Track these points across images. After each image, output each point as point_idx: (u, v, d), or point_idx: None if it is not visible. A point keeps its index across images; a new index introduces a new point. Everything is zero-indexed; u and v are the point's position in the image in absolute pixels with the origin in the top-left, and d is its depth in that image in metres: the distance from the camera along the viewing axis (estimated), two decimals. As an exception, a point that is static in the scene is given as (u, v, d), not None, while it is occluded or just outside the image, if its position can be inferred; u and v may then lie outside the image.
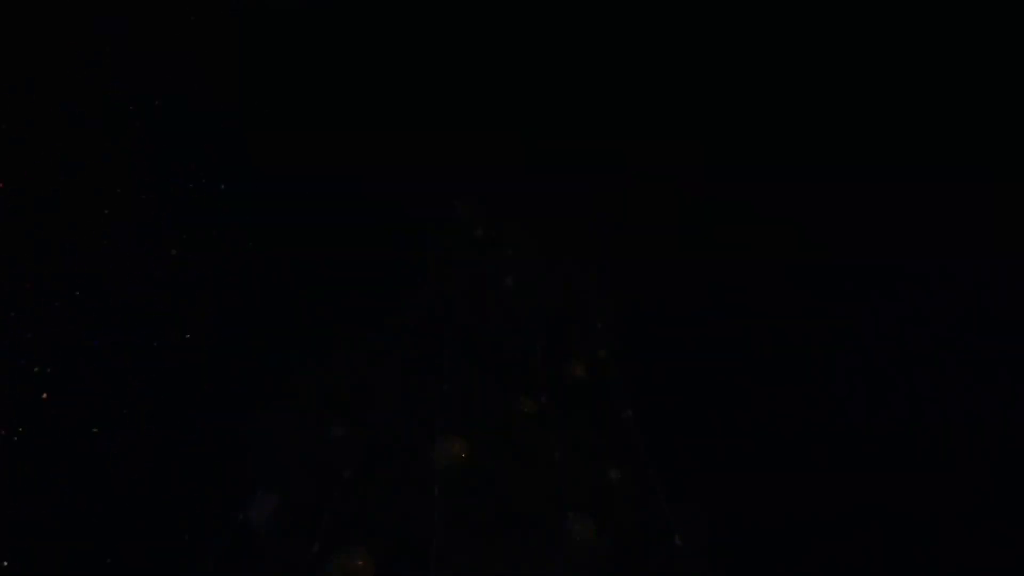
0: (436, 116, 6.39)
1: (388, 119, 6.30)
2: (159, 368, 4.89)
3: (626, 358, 5.20)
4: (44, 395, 4.26)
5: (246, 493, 4.09)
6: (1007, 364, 4.98)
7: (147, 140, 5.52)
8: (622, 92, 6.64)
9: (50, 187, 4.87)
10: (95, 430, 4.52)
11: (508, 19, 6.67)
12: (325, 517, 3.56)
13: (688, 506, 4.32)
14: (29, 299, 4.60)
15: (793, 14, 6.54)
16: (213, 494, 4.32)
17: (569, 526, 3.60)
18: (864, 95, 6.59)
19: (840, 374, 5.17)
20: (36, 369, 4.38)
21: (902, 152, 6.36)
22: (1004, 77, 6.41)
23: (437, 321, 4.78)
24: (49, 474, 4.26)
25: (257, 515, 3.86)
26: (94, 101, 5.44)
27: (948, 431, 4.79)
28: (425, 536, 3.45)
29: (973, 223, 5.89)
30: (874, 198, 6.11)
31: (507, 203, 6.21)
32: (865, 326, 5.38)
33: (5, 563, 3.77)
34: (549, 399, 4.22)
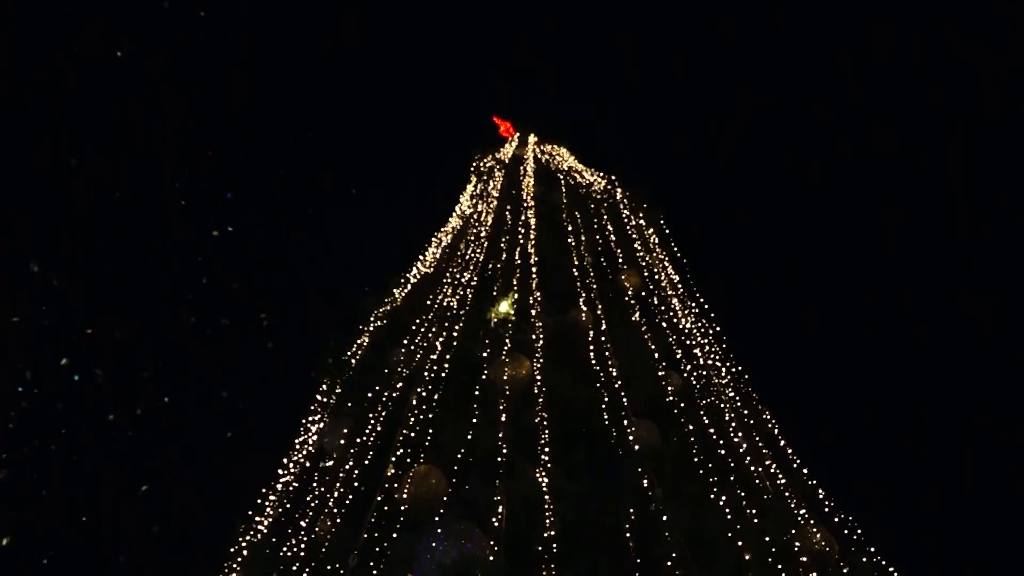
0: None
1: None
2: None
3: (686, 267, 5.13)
4: None
5: (319, 418, 4.25)
6: None
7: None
8: None
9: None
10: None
11: None
12: (396, 438, 3.64)
13: (753, 409, 4.30)
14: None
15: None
16: (288, 420, 4.50)
17: (633, 434, 3.58)
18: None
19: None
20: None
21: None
22: None
23: (490, 240, 4.75)
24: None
25: (331, 439, 3.99)
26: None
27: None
28: (494, 452, 3.49)
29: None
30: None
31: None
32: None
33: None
34: (605, 310, 4.18)
